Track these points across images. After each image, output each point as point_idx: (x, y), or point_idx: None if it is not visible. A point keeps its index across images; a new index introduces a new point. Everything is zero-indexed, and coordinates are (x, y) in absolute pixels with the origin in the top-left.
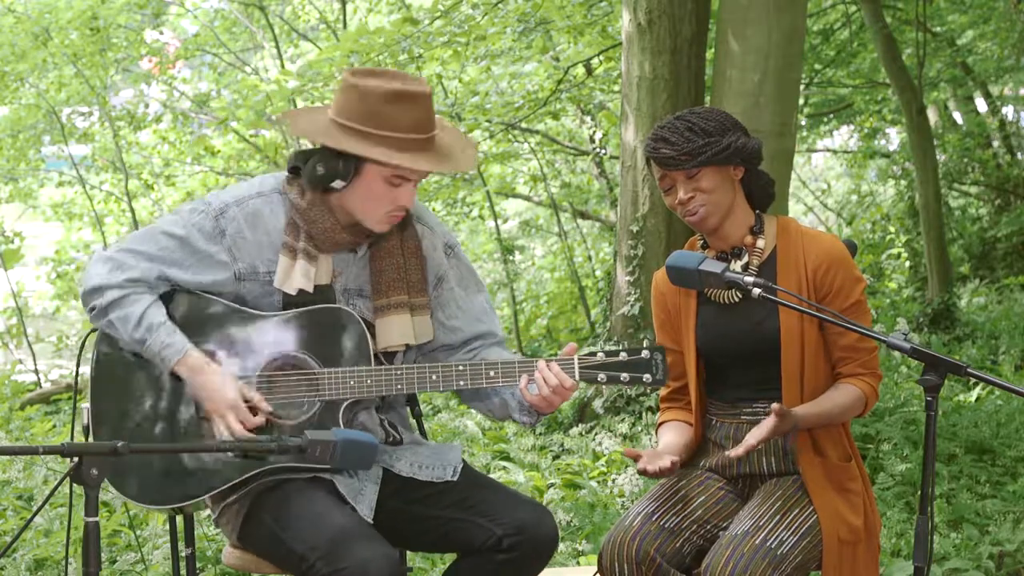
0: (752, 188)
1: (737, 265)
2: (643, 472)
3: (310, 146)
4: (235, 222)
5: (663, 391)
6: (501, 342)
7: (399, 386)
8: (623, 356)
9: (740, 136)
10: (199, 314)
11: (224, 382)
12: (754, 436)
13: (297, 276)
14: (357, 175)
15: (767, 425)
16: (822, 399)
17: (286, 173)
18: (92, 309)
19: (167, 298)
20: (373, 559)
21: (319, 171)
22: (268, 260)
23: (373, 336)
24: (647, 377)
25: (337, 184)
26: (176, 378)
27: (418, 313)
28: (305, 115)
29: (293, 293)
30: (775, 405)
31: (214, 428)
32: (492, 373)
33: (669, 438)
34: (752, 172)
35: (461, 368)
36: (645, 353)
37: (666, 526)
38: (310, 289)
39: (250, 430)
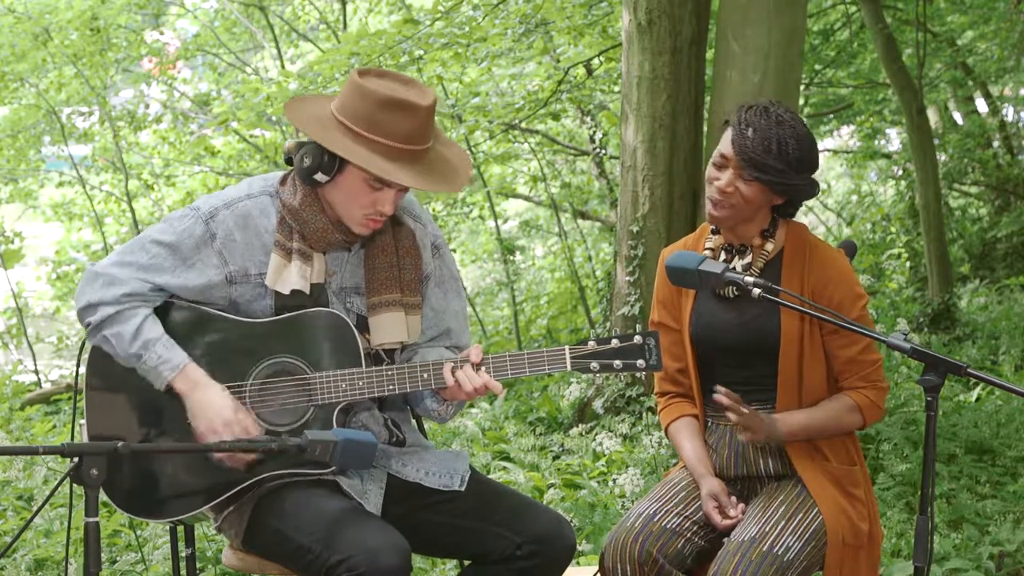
0: (781, 210)
1: (739, 262)
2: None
3: (309, 139)
4: (225, 225)
5: (659, 376)
6: (454, 348)
7: (391, 386)
8: (615, 343)
9: (807, 179)
10: (187, 325)
11: (223, 399)
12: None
13: (293, 276)
14: (340, 172)
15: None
16: (811, 410)
17: (276, 174)
18: (88, 325)
19: (156, 310)
20: (383, 548)
21: (305, 162)
22: (259, 262)
23: (369, 333)
24: (640, 363)
25: (320, 177)
26: (170, 392)
27: (411, 312)
28: (308, 104)
29: (287, 293)
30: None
31: (204, 442)
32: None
33: (695, 448)
34: (789, 204)
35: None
36: (638, 339)
37: (668, 527)
38: (307, 290)
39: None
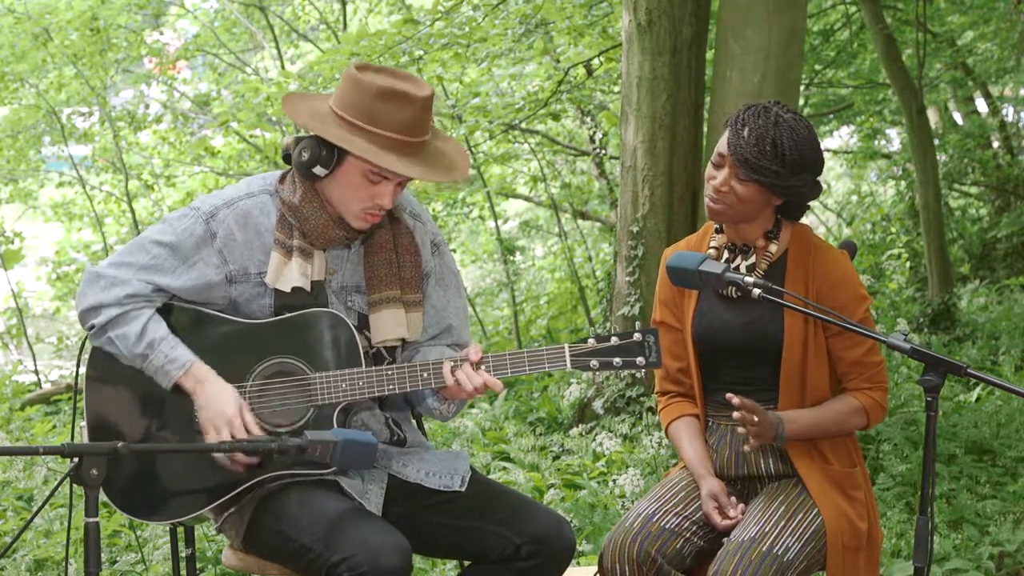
0: (786, 211)
1: (743, 263)
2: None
3: (306, 135)
4: (225, 224)
5: (660, 375)
6: (455, 345)
7: (391, 386)
8: (615, 341)
9: (807, 180)
10: (186, 326)
11: (228, 396)
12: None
13: (294, 274)
14: (339, 165)
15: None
16: (817, 410)
17: (275, 173)
18: (91, 328)
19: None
20: (384, 548)
21: (303, 156)
22: (259, 261)
23: (369, 331)
24: (640, 360)
25: (319, 171)
26: (175, 390)
27: (411, 309)
28: (304, 100)
29: (287, 290)
30: (735, 399)
31: (206, 439)
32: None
33: (695, 448)
34: (793, 206)
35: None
36: (637, 336)
37: (667, 527)
38: (307, 287)
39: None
